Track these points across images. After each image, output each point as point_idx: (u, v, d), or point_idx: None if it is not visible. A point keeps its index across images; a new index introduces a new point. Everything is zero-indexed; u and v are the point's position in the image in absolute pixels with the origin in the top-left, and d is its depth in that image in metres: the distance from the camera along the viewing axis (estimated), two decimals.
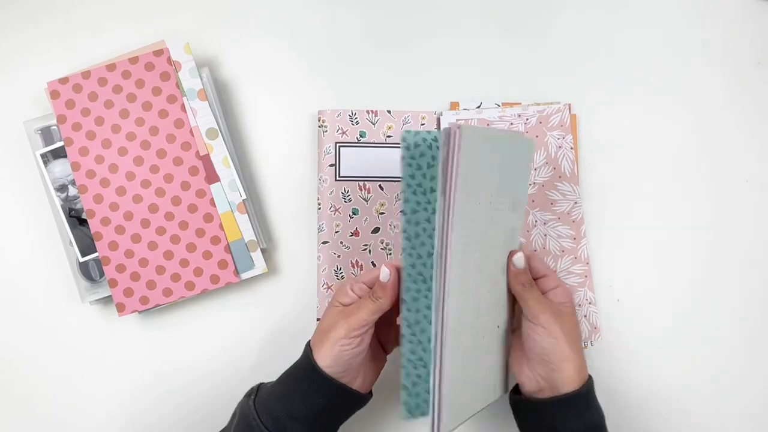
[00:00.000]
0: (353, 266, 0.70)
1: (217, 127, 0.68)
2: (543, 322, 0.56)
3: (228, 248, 0.68)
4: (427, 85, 0.73)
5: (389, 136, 0.71)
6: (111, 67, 0.68)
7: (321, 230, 0.70)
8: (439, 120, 0.71)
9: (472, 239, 0.52)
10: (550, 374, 0.56)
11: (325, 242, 0.70)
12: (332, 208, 0.70)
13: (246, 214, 0.68)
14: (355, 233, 0.70)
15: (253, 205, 0.71)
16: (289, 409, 0.55)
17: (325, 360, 0.55)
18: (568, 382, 0.55)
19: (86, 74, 0.67)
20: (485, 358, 0.58)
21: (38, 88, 0.69)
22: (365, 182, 0.70)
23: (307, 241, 0.71)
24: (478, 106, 0.71)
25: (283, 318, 0.71)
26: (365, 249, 0.70)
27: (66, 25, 0.73)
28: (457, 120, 0.70)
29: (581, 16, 0.74)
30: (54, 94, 0.67)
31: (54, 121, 0.68)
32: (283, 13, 0.73)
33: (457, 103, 0.72)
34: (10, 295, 0.71)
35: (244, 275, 0.68)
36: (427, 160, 0.54)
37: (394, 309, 0.57)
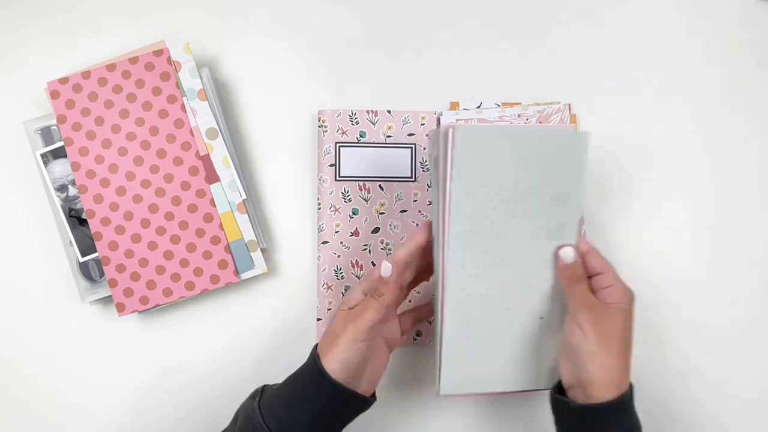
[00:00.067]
0: (353, 266, 0.70)
1: (217, 127, 0.68)
2: (578, 318, 0.55)
3: (228, 248, 0.68)
4: (427, 85, 0.73)
5: (389, 136, 0.71)
6: (111, 67, 0.68)
7: (321, 230, 0.70)
8: (439, 120, 0.71)
9: (475, 227, 0.57)
10: (578, 373, 0.54)
11: (325, 242, 0.70)
12: (332, 208, 0.70)
13: (246, 214, 0.68)
14: (355, 233, 0.70)
15: (253, 205, 0.71)
16: (295, 413, 0.55)
17: (332, 365, 0.55)
18: (597, 387, 0.53)
19: (86, 74, 0.67)
20: (513, 343, 0.59)
21: (38, 88, 0.69)
22: (365, 182, 0.70)
23: (307, 241, 0.71)
24: (478, 106, 0.71)
25: (283, 318, 0.71)
26: (365, 249, 0.70)
27: (66, 25, 0.73)
28: (457, 120, 0.70)
29: (581, 16, 0.74)
30: (54, 94, 0.67)
31: (54, 121, 0.68)
32: (283, 13, 0.73)
33: (457, 103, 0.72)
34: (10, 295, 0.71)
35: (244, 275, 0.68)
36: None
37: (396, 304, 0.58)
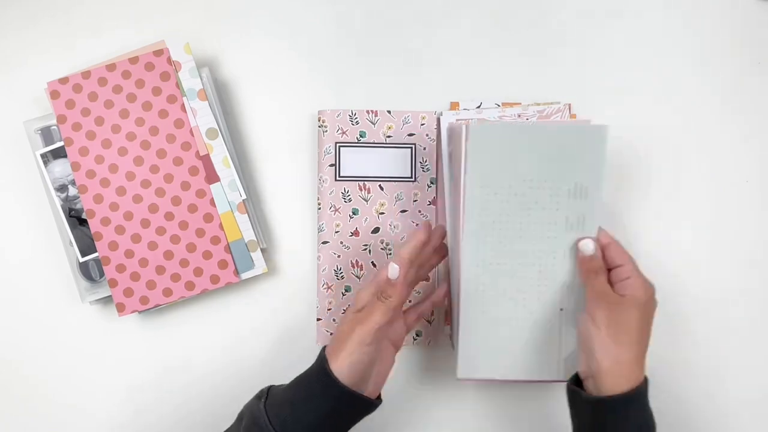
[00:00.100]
0: (353, 266, 0.70)
1: (217, 127, 0.68)
2: (591, 309, 0.56)
3: (228, 248, 0.68)
4: (427, 85, 0.73)
5: (389, 136, 0.71)
6: (111, 67, 0.68)
7: (321, 230, 0.70)
8: (439, 120, 0.71)
9: (490, 218, 0.60)
10: (590, 364, 0.55)
11: (325, 242, 0.70)
12: (332, 208, 0.70)
13: (246, 214, 0.68)
14: (355, 233, 0.70)
15: (253, 205, 0.71)
16: (300, 414, 0.55)
17: (341, 369, 0.55)
18: (608, 378, 0.53)
19: (86, 74, 0.67)
20: (531, 333, 0.62)
21: (38, 88, 0.69)
22: (365, 182, 0.70)
23: (307, 241, 0.71)
24: (478, 106, 0.71)
25: (283, 318, 0.71)
26: (365, 249, 0.70)
27: (66, 25, 0.73)
28: (457, 120, 0.70)
29: (581, 15, 0.73)
30: (54, 94, 0.67)
31: (54, 121, 0.68)
32: (283, 13, 0.73)
33: (457, 103, 0.72)
34: (10, 295, 0.71)
35: (244, 275, 0.68)
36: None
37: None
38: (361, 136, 0.70)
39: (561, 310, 0.61)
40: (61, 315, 0.71)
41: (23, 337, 0.71)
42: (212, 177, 0.68)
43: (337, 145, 0.70)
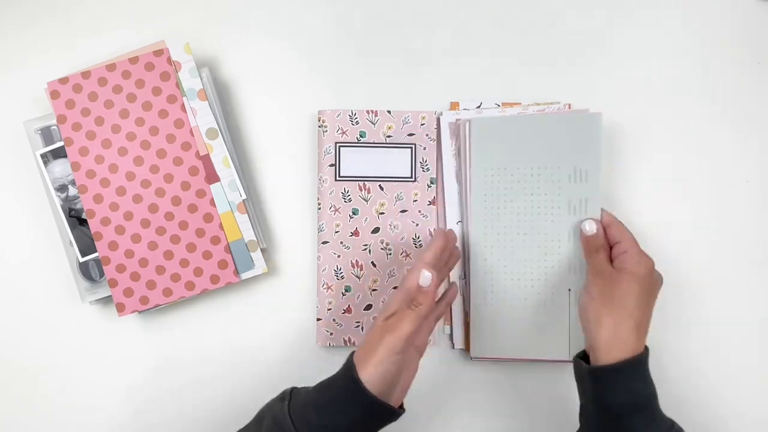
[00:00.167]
0: (353, 266, 0.70)
1: (217, 127, 0.68)
2: (589, 283, 0.59)
3: (228, 248, 0.68)
4: (427, 85, 0.73)
5: (389, 136, 0.71)
6: (111, 67, 0.68)
7: (321, 230, 0.70)
8: (439, 120, 0.71)
9: (495, 204, 0.66)
10: (588, 336, 0.57)
11: (325, 242, 0.70)
12: (332, 208, 0.70)
13: (246, 214, 0.68)
14: (355, 233, 0.70)
15: (253, 205, 0.71)
16: (326, 422, 0.54)
17: (371, 378, 0.53)
18: (601, 349, 0.55)
19: (86, 74, 0.67)
20: (541, 313, 0.66)
21: (38, 88, 0.69)
22: (365, 182, 0.70)
23: (307, 241, 0.71)
24: (478, 106, 0.71)
25: (283, 318, 0.71)
26: (365, 249, 0.70)
27: (66, 25, 0.73)
28: (457, 120, 0.70)
29: (581, 16, 0.73)
30: (54, 94, 0.67)
31: (54, 121, 0.68)
32: (283, 13, 0.73)
33: (457, 103, 0.72)
34: (10, 295, 0.71)
35: (244, 275, 0.68)
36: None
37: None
38: (361, 136, 0.70)
39: (569, 290, 0.65)
40: (61, 315, 0.71)
41: (23, 337, 0.71)
42: (212, 177, 0.68)
43: (337, 145, 0.70)
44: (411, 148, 0.71)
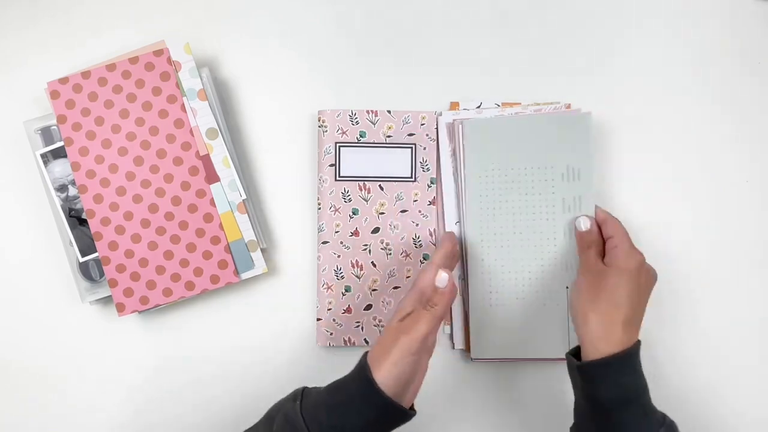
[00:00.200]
0: (353, 266, 0.70)
1: (217, 127, 0.68)
2: (578, 279, 0.59)
3: (228, 248, 0.68)
4: (427, 85, 0.73)
5: (389, 136, 0.71)
6: (111, 67, 0.68)
7: (321, 230, 0.70)
8: (438, 120, 0.71)
9: (490, 204, 0.67)
10: (576, 331, 0.58)
11: (325, 242, 0.70)
12: (332, 208, 0.70)
13: (246, 214, 0.68)
14: (355, 233, 0.70)
15: (253, 205, 0.71)
16: (339, 423, 0.53)
17: (385, 379, 0.53)
18: (587, 343, 0.56)
19: (86, 74, 0.67)
20: (540, 311, 0.66)
21: (38, 88, 0.69)
22: (365, 182, 0.70)
23: (307, 241, 0.71)
24: (478, 106, 0.71)
25: (283, 318, 0.71)
26: (365, 249, 0.70)
27: (66, 25, 0.73)
28: (454, 120, 0.70)
29: (581, 16, 0.74)
30: (54, 94, 0.67)
31: (54, 121, 0.68)
32: (283, 13, 0.73)
33: (457, 103, 0.72)
34: (10, 295, 0.71)
35: (244, 275, 0.68)
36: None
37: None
38: (361, 136, 0.70)
39: (567, 288, 0.66)
40: (61, 315, 0.71)
41: (23, 337, 0.71)
42: (212, 177, 0.68)
43: (337, 145, 0.70)
44: (411, 148, 0.71)
